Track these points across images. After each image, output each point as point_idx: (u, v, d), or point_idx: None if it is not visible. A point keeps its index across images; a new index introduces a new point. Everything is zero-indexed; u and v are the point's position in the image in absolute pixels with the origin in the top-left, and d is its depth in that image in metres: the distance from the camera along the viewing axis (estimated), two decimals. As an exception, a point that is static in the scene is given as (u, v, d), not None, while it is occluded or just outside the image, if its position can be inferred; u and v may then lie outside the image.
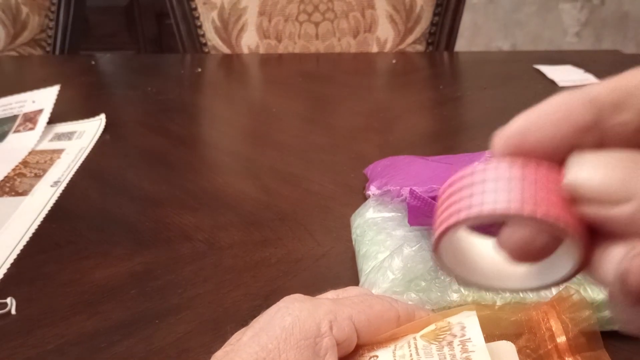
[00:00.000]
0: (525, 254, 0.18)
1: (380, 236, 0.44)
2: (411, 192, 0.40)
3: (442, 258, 0.19)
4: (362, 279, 0.41)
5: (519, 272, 0.20)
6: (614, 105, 0.18)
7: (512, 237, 0.18)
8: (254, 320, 0.29)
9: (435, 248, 0.19)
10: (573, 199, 0.17)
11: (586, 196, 0.17)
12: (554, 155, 0.18)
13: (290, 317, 0.27)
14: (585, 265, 0.18)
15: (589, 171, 0.17)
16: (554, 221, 0.17)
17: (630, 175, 0.17)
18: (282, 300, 0.29)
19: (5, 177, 0.63)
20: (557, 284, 0.19)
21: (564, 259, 0.18)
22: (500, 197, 0.17)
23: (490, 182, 0.17)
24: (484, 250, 0.20)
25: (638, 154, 0.18)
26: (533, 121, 0.18)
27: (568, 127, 0.18)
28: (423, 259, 0.40)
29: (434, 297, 0.37)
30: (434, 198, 0.39)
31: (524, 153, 0.18)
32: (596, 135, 0.18)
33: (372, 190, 0.51)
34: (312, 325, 0.27)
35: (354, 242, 0.46)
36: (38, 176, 0.63)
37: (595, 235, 0.18)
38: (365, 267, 0.42)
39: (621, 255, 0.17)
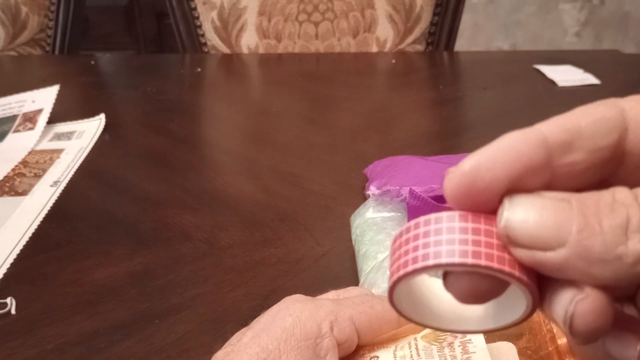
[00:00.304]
0: (472, 297, 0.18)
1: (380, 236, 0.44)
2: (411, 192, 0.40)
3: (399, 306, 0.20)
4: (362, 279, 0.41)
5: (476, 314, 0.20)
6: (563, 145, 0.18)
7: (457, 282, 0.18)
8: (255, 320, 0.29)
9: (390, 298, 0.19)
10: (508, 243, 0.17)
11: (518, 240, 0.17)
12: (502, 197, 0.18)
13: (291, 317, 0.27)
14: (538, 305, 0.18)
15: (521, 215, 0.17)
16: (499, 268, 0.17)
17: (563, 218, 0.17)
18: (282, 301, 0.29)
19: (5, 177, 0.63)
20: (514, 324, 0.20)
21: (517, 299, 0.19)
22: (444, 249, 0.18)
23: (434, 234, 0.18)
24: (440, 293, 0.20)
25: (573, 195, 0.17)
26: (484, 161, 0.18)
27: (519, 167, 0.18)
28: None
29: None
30: (434, 198, 0.39)
31: (475, 193, 0.18)
32: (546, 175, 0.18)
33: (372, 190, 0.51)
34: (313, 326, 0.27)
35: (353, 242, 0.46)
36: (38, 176, 0.63)
37: (544, 277, 0.18)
38: (365, 267, 0.42)
39: (568, 299, 0.17)
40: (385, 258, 0.41)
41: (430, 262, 0.17)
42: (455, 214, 0.18)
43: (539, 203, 0.17)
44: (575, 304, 0.17)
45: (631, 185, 0.18)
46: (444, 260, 0.17)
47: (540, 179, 0.18)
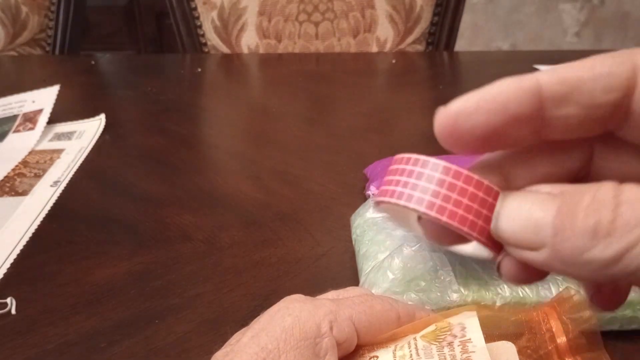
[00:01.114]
0: (438, 239, 0.20)
1: (380, 236, 0.44)
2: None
3: (384, 211, 0.23)
4: (362, 279, 0.42)
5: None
6: (559, 98, 0.18)
7: (427, 224, 0.20)
8: (254, 320, 0.29)
9: (376, 206, 0.22)
10: (501, 242, 0.19)
11: (508, 241, 0.19)
12: (488, 141, 0.18)
13: (291, 317, 0.27)
14: (500, 253, 0.20)
15: (508, 220, 0.18)
16: (457, 226, 0.19)
17: (543, 221, 0.17)
18: (282, 301, 0.29)
19: (5, 177, 0.63)
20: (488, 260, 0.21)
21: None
22: (417, 195, 0.20)
23: (415, 177, 0.20)
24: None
25: (563, 191, 0.18)
26: (468, 106, 0.18)
27: (503, 117, 0.18)
28: (423, 259, 0.40)
29: (433, 297, 0.37)
30: None
31: (457, 136, 0.19)
32: (536, 125, 0.18)
33: (372, 190, 0.51)
34: (312, 326, 0.27)
35: (353, 242, 0.46)
36: (38, 176, 0.63)
37: None
38: (365, 267, 0.42)
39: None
40: (386, 258, 0.41)
41: (402, 202, 0.20)
42: (440, 164, 0.20)
43: (524, 206, 0.18)
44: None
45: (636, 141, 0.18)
46: (411, 205, 0.20)
47: (528, 128, 0.18)
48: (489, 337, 0.28)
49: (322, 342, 0.27)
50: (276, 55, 1.12)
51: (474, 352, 0.25)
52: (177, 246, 0.49)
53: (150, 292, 0.44)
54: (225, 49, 1.16)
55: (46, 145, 0.70)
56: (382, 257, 0.41)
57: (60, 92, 0.77)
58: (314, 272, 0.46)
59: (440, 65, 1.04)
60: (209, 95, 0.91)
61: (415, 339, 0.28)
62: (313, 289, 0.32)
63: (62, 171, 0.63)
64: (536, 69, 0.95)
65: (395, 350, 0.28)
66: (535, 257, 0.17)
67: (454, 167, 0.19)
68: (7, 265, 0.48)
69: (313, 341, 0.26)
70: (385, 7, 1.12)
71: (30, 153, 0.68)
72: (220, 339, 0.29)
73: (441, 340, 0.27)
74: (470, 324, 0.27)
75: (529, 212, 0.18)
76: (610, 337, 0.36)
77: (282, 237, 0.50)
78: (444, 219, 0.19)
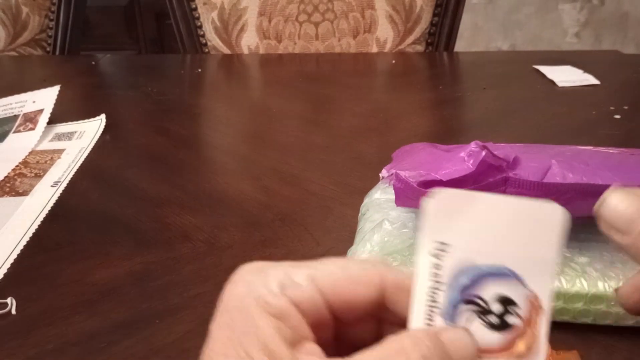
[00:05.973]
0: None
1: (377, 215, 0.45)
2: (396, 175, 0.41)
3: None
4: (349, 253, 0.44)
5: None
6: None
7: None
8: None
9: None
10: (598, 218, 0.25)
11: (606, 223, 0.25)
12: None
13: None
14: None
15: (609, 206, 0.24)
16: None
17: (636, 217, 0.24)
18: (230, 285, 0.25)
19: (6, 177, 0.63)
20: None
21: None
22: None
23: None
24: None
25: None
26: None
27: None
28: (401, 236, 0.41)
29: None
30: (420, 183, 0.39)
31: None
32: None
33: (384, 172, 0.52)
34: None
35: (359, 220, 0.48)
36: (38, 176, 0.63)
37: None
38: (357, 240, 0.44)
39: None
40: (368, 232, 0.43)
41: None
42: None
43: (626, 201, 0.24)
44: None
45: None
46: None
47: None
48: None
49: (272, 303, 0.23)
50: (276, 56, 1.12)
51: None
52: (177, 246, 0.49)
53: (150, 292, 0.44)
54: (225, 50, 1.16)
55: (46, 145, 0.71)
56: (376, 239, 0.43)
57: (60, 92, 0.77)
58: (314, 272, 0.46)
59: (440, 65, 1.04)
60: (209, 95, 0.92)
61: None
62: (313, 288, 0.32)
63: (63, 171, 0.64)
64: (536, 69, 0.94)
65: None
66: (618, 239, 0.24)
67: None
68: (7, 265, 0.48)
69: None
70: (385, 7, 1.12)
71: (30, 153, 0.69)
72: (220, 339, 0.29)
73: None
74: None
75: (628, 207, 0.24)
76: (610, 336, 0.36)
77: (282, 237, 0.50)
78: None
